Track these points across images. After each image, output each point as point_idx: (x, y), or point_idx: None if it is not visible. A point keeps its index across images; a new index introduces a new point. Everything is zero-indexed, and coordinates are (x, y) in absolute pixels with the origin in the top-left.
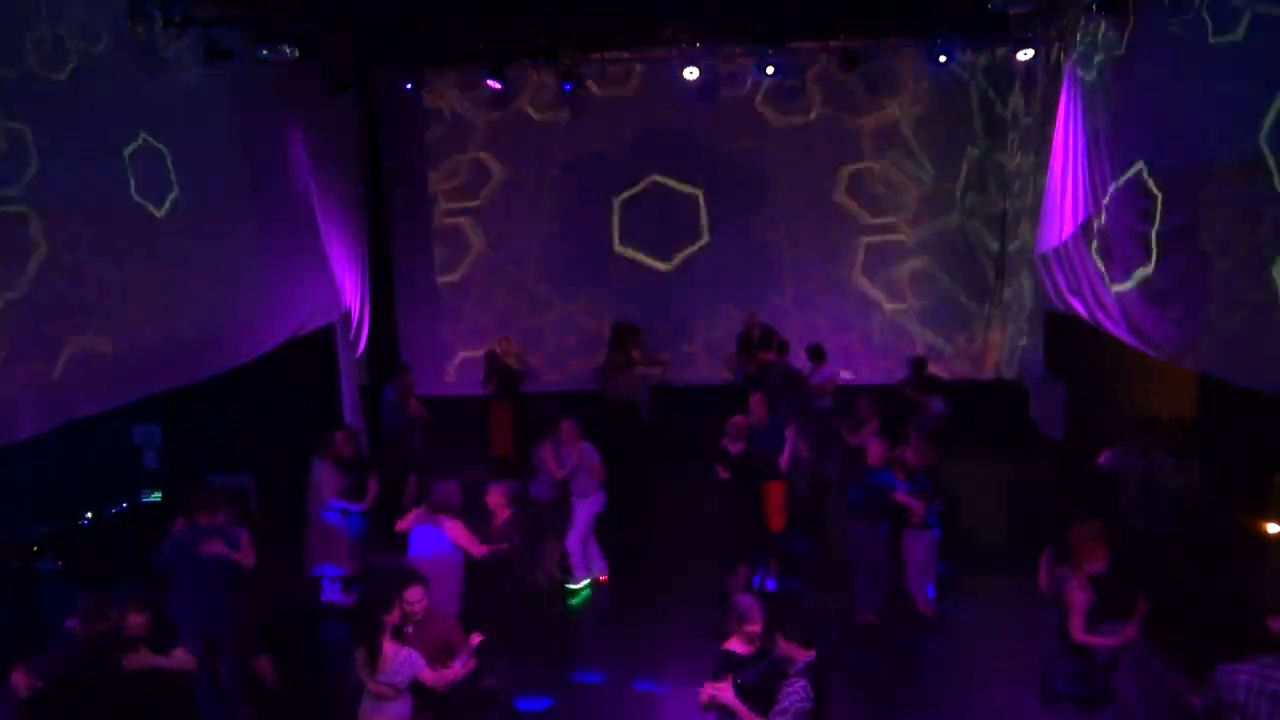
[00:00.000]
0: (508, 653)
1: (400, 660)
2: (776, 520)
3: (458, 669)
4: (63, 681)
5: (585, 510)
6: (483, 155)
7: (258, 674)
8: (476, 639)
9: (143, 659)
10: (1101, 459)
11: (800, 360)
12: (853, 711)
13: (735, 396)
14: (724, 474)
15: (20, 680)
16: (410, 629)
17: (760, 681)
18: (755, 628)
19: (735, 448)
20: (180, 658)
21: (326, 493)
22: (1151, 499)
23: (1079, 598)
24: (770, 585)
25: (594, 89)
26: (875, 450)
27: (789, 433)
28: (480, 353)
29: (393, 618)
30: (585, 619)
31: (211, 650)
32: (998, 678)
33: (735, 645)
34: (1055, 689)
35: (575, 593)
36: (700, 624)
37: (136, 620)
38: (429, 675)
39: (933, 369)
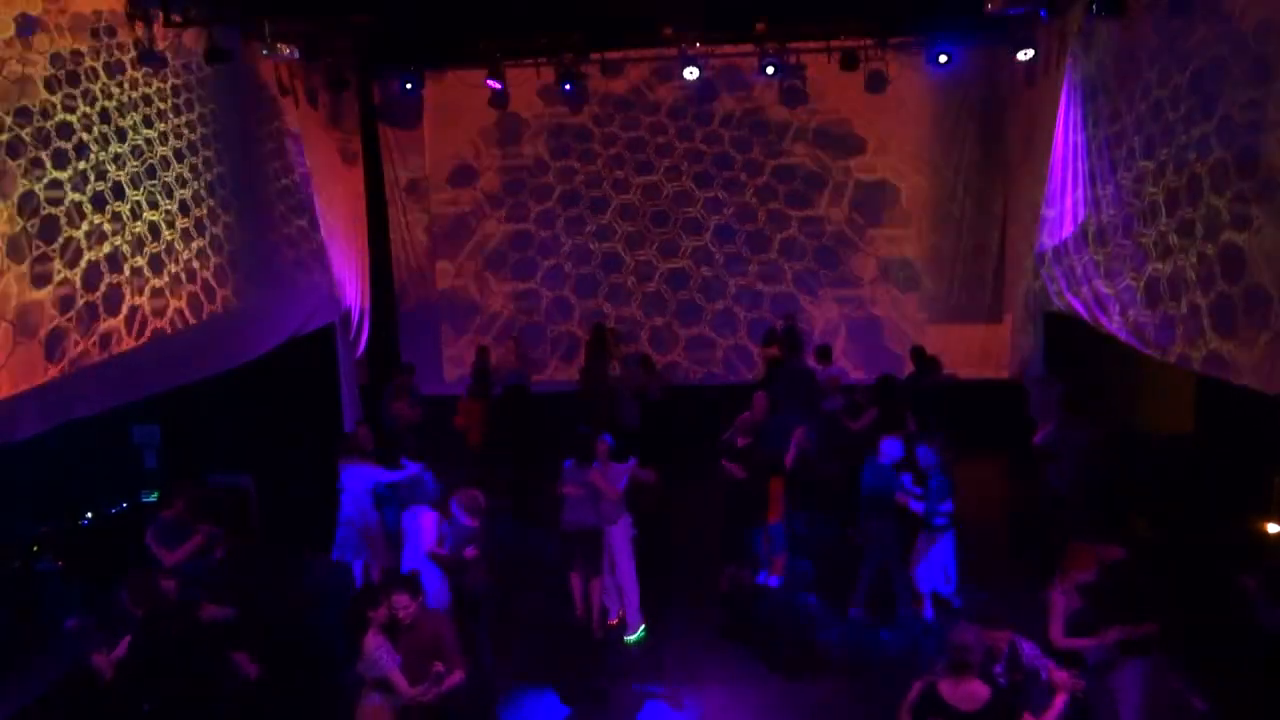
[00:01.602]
0: (508, 654)
1: (374, 655)
2: (774, 511)
3: (431, 691)
4: (139, 656)
5: (621, 535)
6: (483, 155)
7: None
8: (458, 676)
9: (207, 611)
10: (1038, 438)
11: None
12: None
13: (726, 396)
14: (737, 471)
15: (102, 663)
16: (400, 632)
17: (1006, 691)
18: (976, 657)
19: (743, 442)
20: (212, 610)
21: (361, 490)
22: (1088, 471)
23: (1059, 603)
24: (773, 582)
25: (594, 89)
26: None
27: (796, 435)
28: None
29: (379, 614)
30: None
31: None
32: None
33: (977, 690)
34: None
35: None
36: (700, 626)
37: (169, 585)
38: (402, 684)
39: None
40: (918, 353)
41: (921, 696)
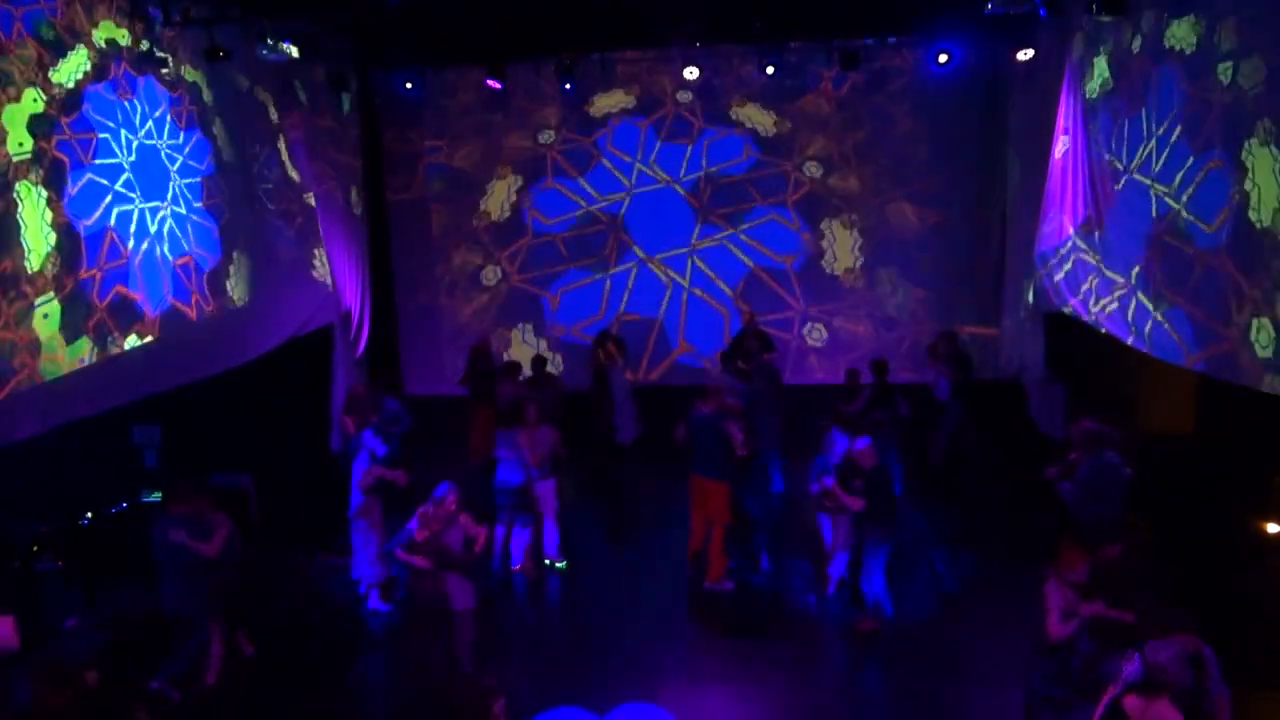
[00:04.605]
0: (506, 656)
1: None
2: (727, 516)
3: None
4: None
5: (548, 491)
6: (483, 155)
7: (241, 648)
8: None
9: None
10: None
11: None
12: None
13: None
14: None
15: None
16: None
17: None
18: (1171, 678)
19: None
20: None
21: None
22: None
23: (1054, 597)
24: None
25: (594, 88)
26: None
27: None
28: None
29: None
30: (592, 622)
31: (183, 631)
32: (989, 678)
33: (1165, 713)
34: (1034, 689)
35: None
36: (699, 625)
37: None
38: None
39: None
40: (951, 337)
41: (1108, 711)
